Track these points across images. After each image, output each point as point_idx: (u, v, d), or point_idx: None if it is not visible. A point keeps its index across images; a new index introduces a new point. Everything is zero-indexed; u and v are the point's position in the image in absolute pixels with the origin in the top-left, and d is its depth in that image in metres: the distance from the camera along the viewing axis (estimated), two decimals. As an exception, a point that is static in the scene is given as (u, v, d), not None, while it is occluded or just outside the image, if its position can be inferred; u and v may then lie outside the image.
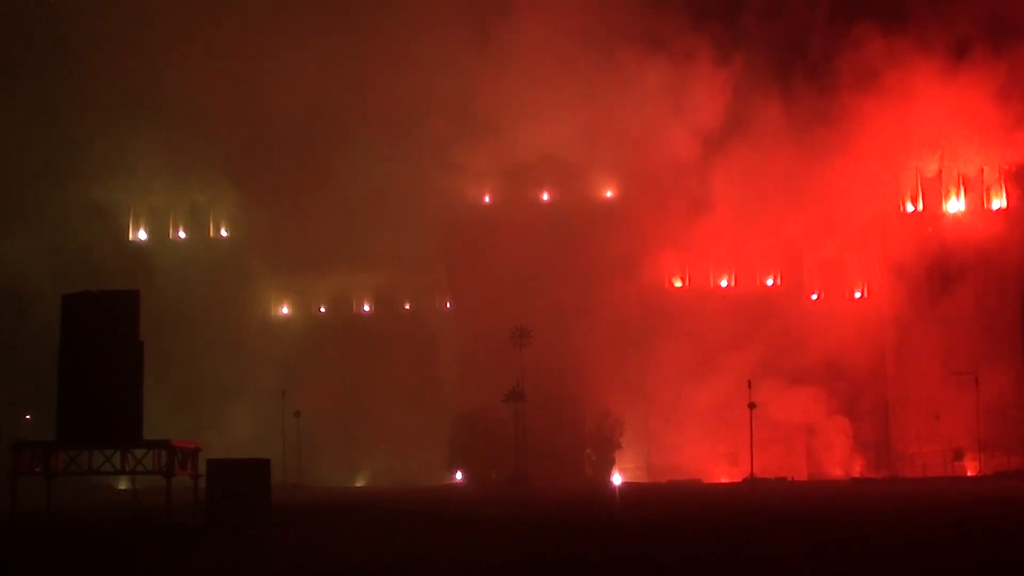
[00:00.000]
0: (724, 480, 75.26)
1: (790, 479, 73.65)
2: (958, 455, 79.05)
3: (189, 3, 79.41)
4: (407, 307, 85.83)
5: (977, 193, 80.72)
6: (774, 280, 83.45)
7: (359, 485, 79.04)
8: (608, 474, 78.56)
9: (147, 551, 25.61)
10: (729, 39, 79.38)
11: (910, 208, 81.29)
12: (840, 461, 78.92)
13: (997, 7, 77.76)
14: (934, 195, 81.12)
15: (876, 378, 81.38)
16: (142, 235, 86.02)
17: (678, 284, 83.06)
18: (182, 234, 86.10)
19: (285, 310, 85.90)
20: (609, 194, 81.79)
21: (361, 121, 78.42)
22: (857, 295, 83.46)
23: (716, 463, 76.92)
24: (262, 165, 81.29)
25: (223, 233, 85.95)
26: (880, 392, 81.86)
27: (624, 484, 73.47)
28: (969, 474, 76.50)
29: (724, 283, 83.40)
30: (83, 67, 77.96)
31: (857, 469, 78.53)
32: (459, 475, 78.56)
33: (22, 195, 79.90)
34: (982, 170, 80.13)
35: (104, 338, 40.04)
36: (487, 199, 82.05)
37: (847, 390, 79.72)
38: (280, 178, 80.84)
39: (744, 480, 71.57)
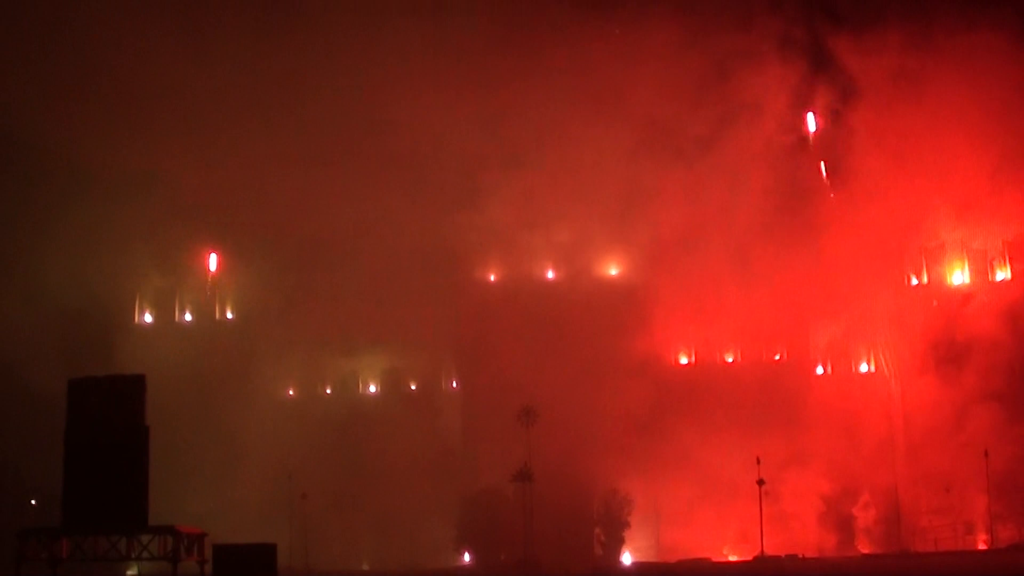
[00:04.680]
0: (734, 558, 74.70)
1: (801, 556, 73.10)
2: (969, 528, 78.45)
3: (187, 88, 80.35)
4: (413, 387, 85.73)
5: (981, 265, 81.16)
6: (780, 355, 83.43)
7: (365, 568, 78.69)
8: (618, 554, 77.89)
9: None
10: (731, 121, 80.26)
11: (915, 281, 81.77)
12: (850, 536, 78.36)
13: (995, 81, 78.82)
14: (938, 267, 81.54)
15: (885, 452, 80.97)
16: (148, 318, 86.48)
17: (684, 361, 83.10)
18: (188, 316, 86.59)
19: (291, 392, 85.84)
20: (613, 271, 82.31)
21: (366, 199, 79.26)
22: (864, 369, 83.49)
23: (726, 540, 76.38)
24: (267, 247, 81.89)
25: (228, 315, 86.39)
26: (889, 466, 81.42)
27: (634, 564, 72.91)
28: (981, 547, 75.91)
29: (730, 359, 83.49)
30: (87, 147, 79.03)
31: (867, 544, 77.98)
32: (467, 556, 78.16)
33: (28, 279, 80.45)
34: (985, 242, 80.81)
35: (110, 423, 40.08)
36: (492, 278, 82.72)
37: (856, 464, 79.29)
38: (285, 259, 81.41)
39: (755, 558, 71.02)
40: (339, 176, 78.67)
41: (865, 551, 76.04)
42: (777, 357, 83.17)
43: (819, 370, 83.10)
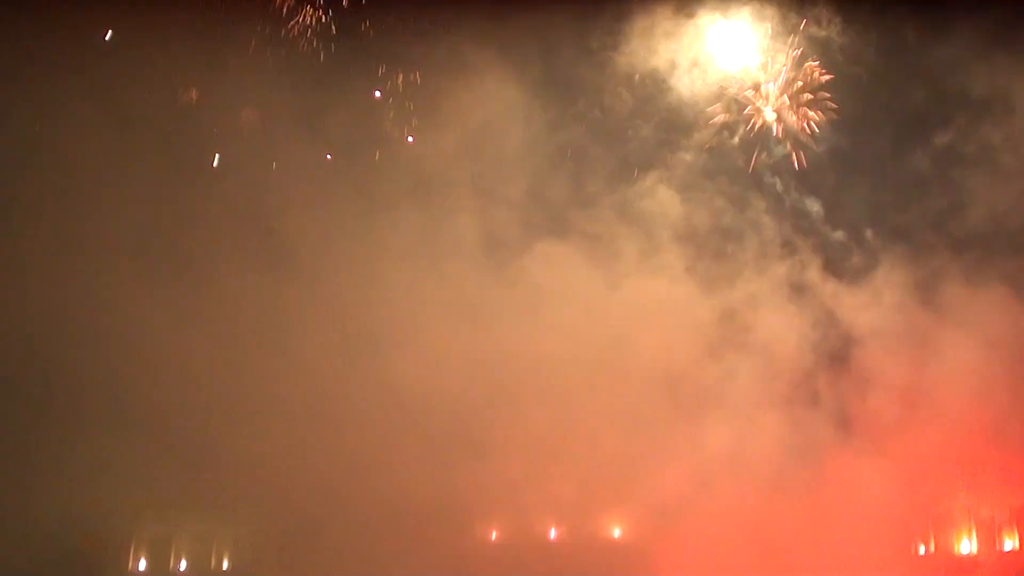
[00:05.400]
0: None
1: None
2: None
3: (181, 329, 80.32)
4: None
5: (989, 534, 79.77)
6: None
7: None
8: None
9: None
10: (738, 372, 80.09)
11: (922, 550, 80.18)
12: None
13: (999, 335, 78.94)
14: (945, 535, 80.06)
15: None
16: (142, 565, 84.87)
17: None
18: (183, 565, 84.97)
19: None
20: (617, 533, 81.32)
21: (361, 448, 78.39)
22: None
23: None
24: (262, 496, 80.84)
25: (224, 566, 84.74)
26: None
27: None
28: None
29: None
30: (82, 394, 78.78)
31: None
32: None
33: (21, 516, 79.27)
34: (992, 509, 79.70)
35: None
36: (493, 536, 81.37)
37: None
38: (279, 509, 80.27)
39: None
40: (333, 423, 78.18)
41: None
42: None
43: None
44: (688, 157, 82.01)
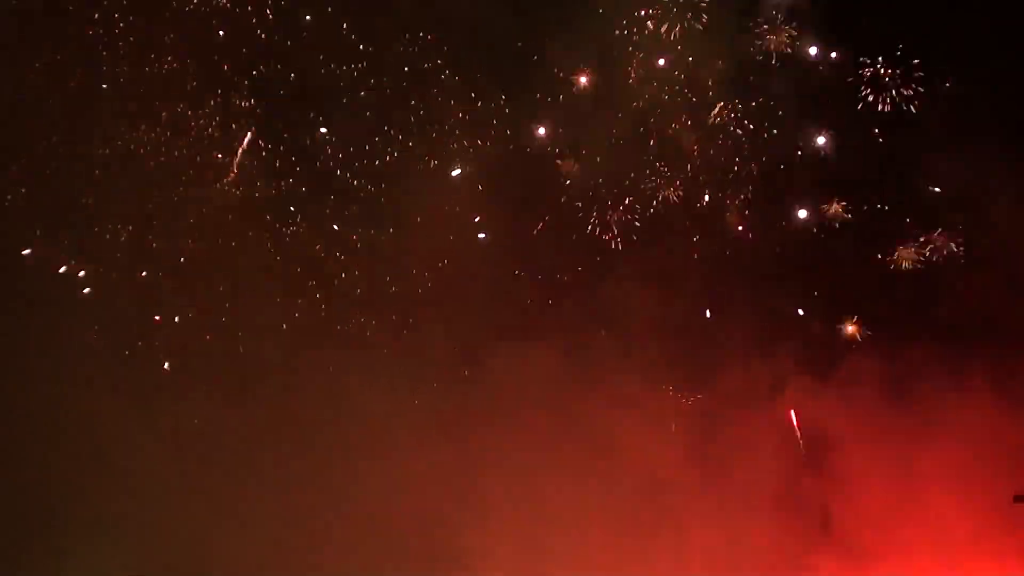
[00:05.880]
0: None
1: None
2: None
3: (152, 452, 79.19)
4: None
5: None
6: None
7: None
8: None
9: None
10: (721, 472, 78.86)
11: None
12: None
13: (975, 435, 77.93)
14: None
15: None
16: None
17: None
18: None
19: None
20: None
21: (335, 566, 77.44)
22: None
23: None
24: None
25: None
26: None
27: None
28: None
29: None
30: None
31: None
32: None
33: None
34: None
35: None
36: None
37: None
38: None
39: None
40: (307, 542, 76.39)
41: None
42: None
43: None
44: (660, 251, 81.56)
